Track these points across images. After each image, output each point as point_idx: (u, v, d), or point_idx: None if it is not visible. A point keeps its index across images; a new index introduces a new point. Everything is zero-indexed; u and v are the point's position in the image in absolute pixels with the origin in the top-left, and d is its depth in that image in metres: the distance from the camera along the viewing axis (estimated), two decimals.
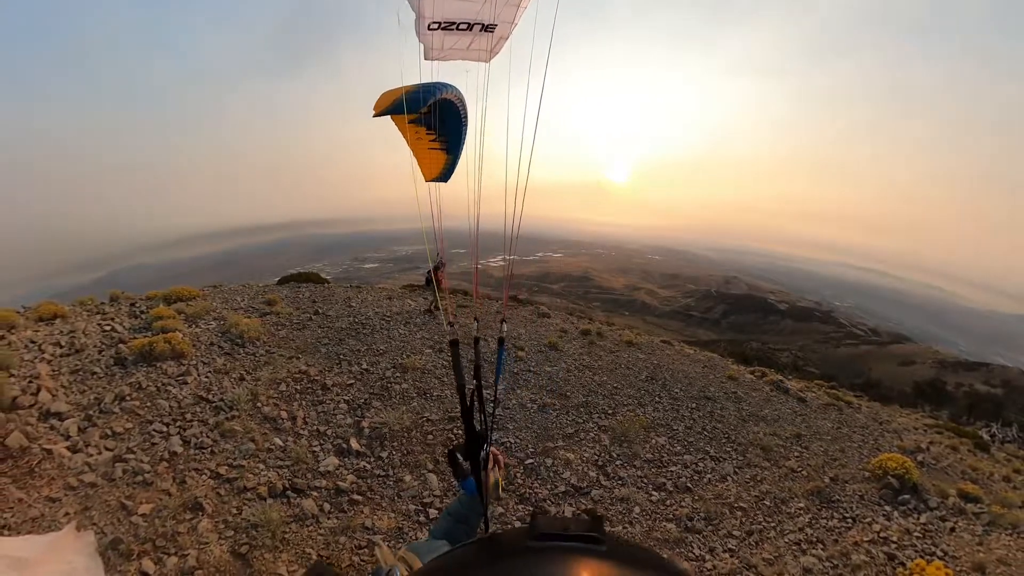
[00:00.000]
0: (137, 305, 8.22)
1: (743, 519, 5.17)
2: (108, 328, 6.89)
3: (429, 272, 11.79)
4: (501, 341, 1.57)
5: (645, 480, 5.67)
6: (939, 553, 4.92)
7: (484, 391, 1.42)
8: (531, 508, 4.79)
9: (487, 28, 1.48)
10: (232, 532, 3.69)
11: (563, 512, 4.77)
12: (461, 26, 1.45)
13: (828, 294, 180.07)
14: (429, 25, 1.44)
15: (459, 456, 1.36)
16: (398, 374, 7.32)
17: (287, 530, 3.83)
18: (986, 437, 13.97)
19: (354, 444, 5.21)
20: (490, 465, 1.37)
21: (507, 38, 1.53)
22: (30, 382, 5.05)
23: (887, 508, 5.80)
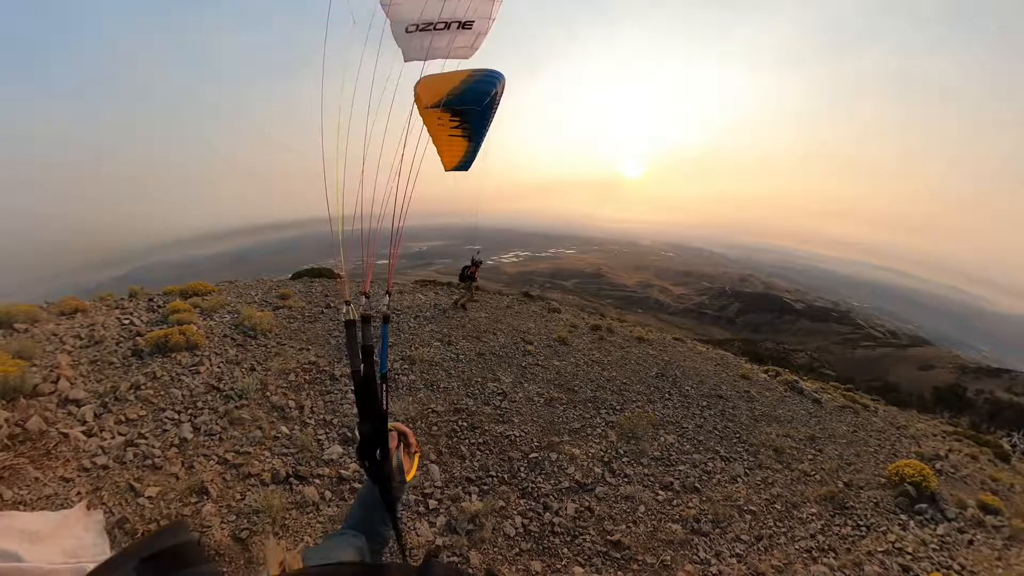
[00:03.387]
0: (155, 300, 8.38)
1: (752, 523, 5.05)
2: (126, 322, 7.05)
3: (465, 268, 11.87)
4: (386, 318, 1.49)
5: (652, 479, 5.58)
6: (956, 567, 4.75)
7: (376, 373, 1.25)
8: (534, 503, 4.75)
9: (464, 25, 1.49)
10: (234, 517, 3.73)
11: (565, 508, 4.72)
12: (439, 26, 1.45)
13: (846, 294, 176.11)
14: (407, 28, 1.44)
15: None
16: (406, 366, 7.35)
17: (287, 516, 3.86)
18: (1007, 447, 13.51)
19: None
20: (394, 444, 1.22)
21: (486, 33, 1.54)
22: (51, 371, 5.18)
23: (903, 517, 5.63)
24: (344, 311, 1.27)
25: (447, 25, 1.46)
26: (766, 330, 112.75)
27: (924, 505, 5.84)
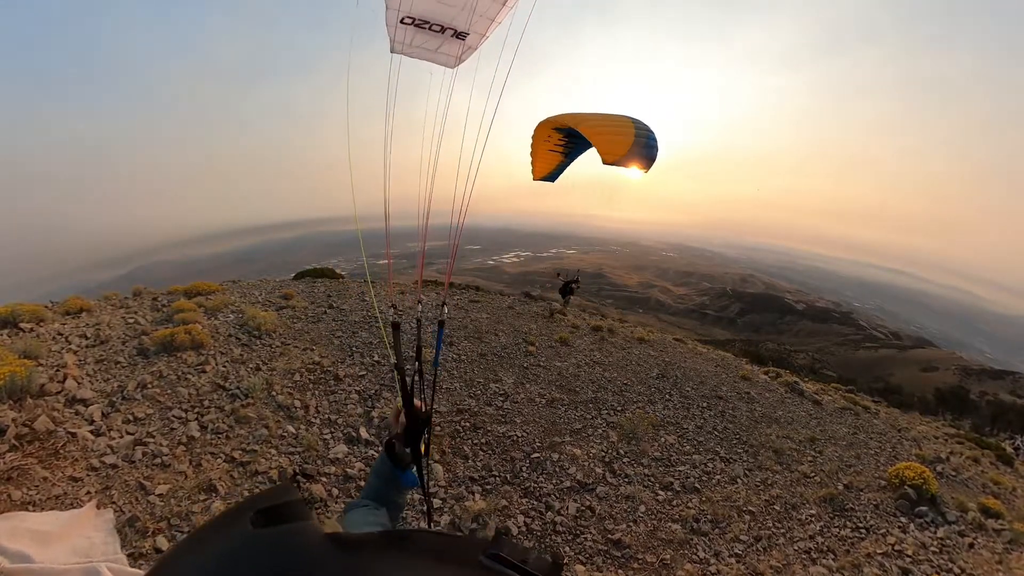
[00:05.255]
0: (159, 299, 8.43)
1: (751, 524, 5.10)
2: (131, 321, 7.09)
3: (568, 284, 13.31)
4: (440, 324, 1.65)
5: (652, 479, 5.63)
6: (956, 570, 4.75)
7: (427, 374, 1.44)
8: (536, 502, 4.81)
9: (459, 35, 1.47)
10: None
11: (567, 507, 4.78)
12: (434, 27, 1.44)
13: (848, 295, 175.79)
14: (402, 19, 1.42)
15: (397, 446, 1.28)
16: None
17: None
18: (1010, 450, 13.50)
19: (363, 433, 5.29)
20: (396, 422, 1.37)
21: (476, 48, 1.53)
22: (57, 371, 5.22)
23: (903, 520, 5.62)
24: (392, 314, 1.48)
25: (443, 29, 1.42)
26: (767, 331, 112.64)
27: (924, 508, 5.82)
